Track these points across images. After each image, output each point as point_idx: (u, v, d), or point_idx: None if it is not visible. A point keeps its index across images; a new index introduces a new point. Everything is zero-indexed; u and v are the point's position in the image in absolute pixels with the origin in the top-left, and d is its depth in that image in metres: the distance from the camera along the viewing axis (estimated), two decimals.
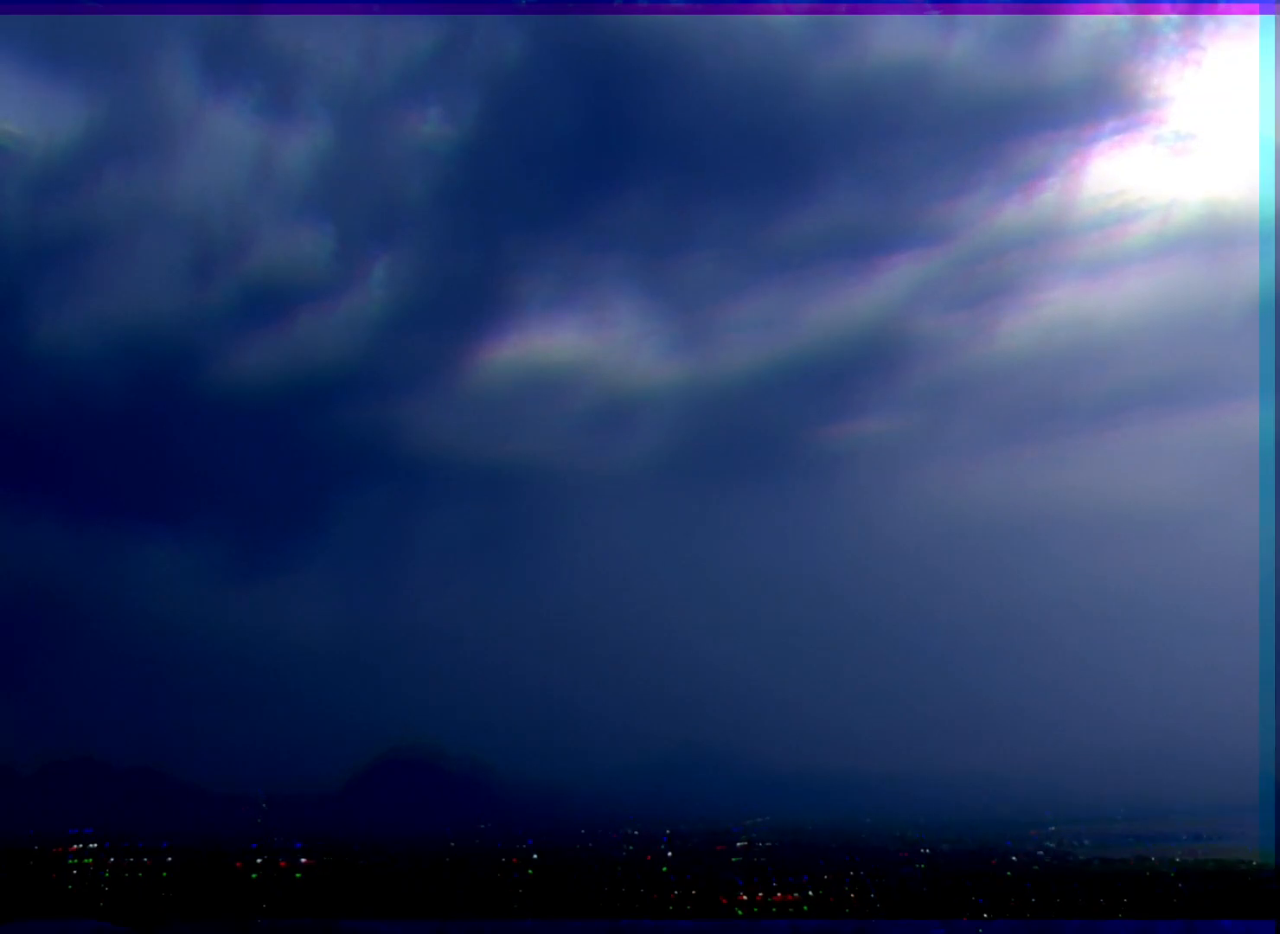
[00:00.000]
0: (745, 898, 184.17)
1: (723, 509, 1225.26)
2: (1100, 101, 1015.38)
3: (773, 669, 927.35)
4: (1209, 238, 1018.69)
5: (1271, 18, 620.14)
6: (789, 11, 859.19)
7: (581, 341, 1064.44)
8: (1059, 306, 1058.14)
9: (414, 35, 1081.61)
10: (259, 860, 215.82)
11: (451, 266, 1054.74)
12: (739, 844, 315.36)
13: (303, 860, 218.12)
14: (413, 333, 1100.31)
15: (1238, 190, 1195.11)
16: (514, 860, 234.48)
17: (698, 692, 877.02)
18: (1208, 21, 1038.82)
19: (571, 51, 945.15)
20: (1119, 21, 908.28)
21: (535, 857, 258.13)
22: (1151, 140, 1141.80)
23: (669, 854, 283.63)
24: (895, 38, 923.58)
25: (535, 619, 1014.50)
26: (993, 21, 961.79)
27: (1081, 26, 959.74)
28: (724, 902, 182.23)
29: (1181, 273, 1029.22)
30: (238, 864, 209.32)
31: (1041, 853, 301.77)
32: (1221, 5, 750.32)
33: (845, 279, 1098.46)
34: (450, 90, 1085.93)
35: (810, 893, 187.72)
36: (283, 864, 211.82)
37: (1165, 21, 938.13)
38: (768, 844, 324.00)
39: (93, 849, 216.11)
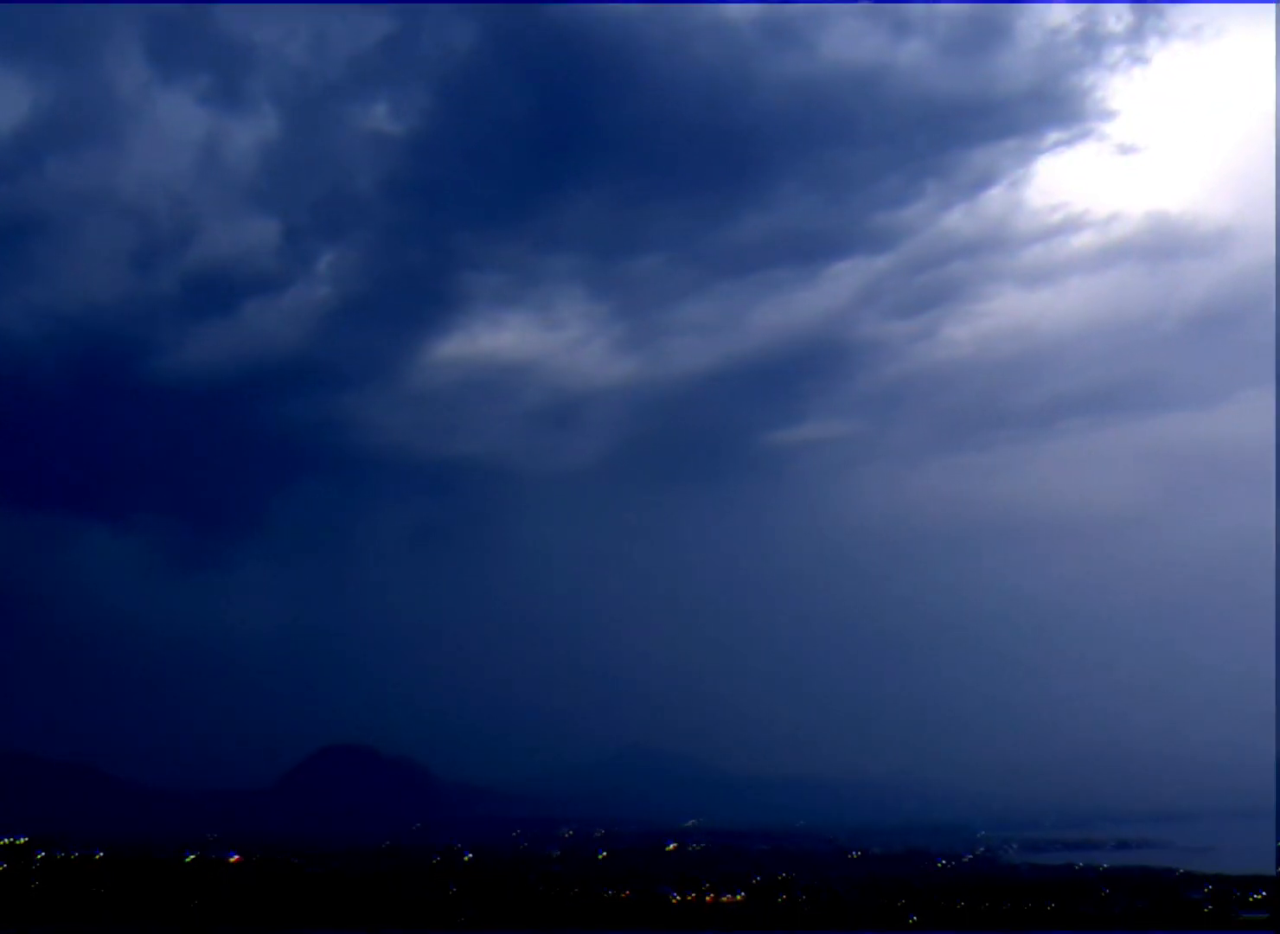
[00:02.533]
0: (677, 901, 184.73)
1: (667, 510, 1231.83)
2: (1046, 112, 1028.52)
3: (713, 672, 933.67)
4: (1150, 249, 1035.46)
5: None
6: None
7: (528, 340, 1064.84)
8: (1000, 315, 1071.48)
9: (363, 29, 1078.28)
10: (189, 858, 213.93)
11: (398, 262, 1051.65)
12: (671, 846, 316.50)
13: (232, 859, 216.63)
14: (359, 327, 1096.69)
15: (1179, 203, 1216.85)
16: (447, 865, 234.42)
17: (638, 693, 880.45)
18: (1154, 35, 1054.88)
19: (523, 50, 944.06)
20: (1066, 33, 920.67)
21: (468, 858, 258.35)
22: (1096, 152, 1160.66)
23: (601, 855, 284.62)
24: (845, 44, 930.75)
25: (478, 618, 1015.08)
26: (941, 30, 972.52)
27: (1030, 37, 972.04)
28: (655, 907, 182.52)
29: (1121, 283, 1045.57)
30: (168, 861, 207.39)
31: (970, 858, 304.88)
32: None
33: (791, 284, 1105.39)
34: (399, 85, 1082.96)
35: (740, 897, 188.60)
36: (213, 862, 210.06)
37: (1113, 34, 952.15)
38: (700, 846, 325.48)
39: (20, 846, 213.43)
